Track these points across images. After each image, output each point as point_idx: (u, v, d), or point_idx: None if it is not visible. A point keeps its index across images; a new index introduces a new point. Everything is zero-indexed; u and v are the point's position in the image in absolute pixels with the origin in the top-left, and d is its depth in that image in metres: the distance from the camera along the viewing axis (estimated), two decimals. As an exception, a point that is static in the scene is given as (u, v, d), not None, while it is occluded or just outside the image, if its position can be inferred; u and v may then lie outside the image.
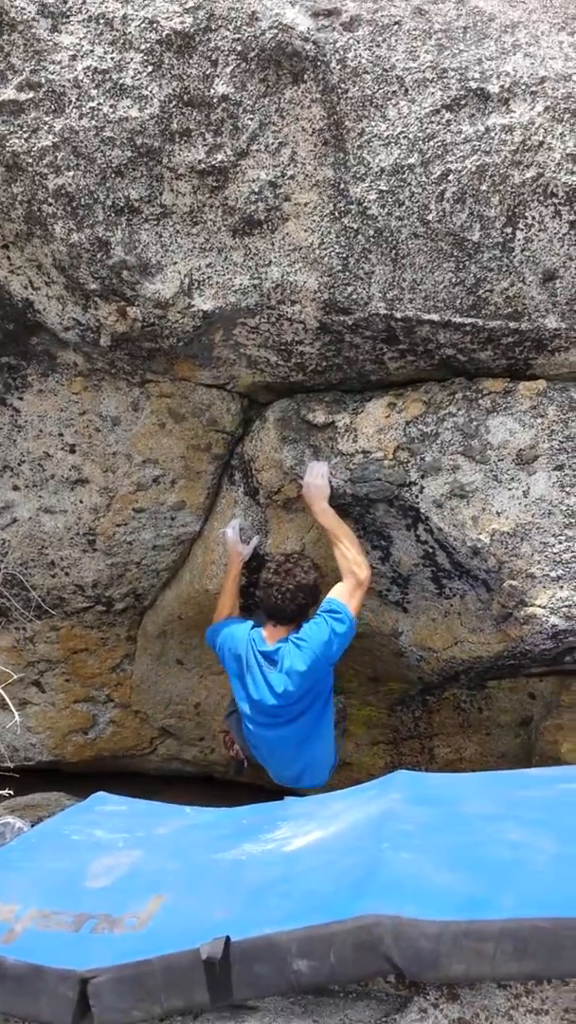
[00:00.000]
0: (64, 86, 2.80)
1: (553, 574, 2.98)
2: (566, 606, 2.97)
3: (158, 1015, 1.89)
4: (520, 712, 3.91)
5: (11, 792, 3.51)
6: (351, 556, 3.27)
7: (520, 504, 3.01)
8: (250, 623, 3.47)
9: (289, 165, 2.83)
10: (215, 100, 2.78)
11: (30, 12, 2.77)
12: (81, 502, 3.82)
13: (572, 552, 2.95)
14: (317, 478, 3.31)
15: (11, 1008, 1.95)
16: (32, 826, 2.98)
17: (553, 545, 2.96)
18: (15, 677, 3.92)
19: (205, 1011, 1.94)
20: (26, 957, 1.94)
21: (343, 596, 3.24)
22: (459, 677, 3.75)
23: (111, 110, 2.80)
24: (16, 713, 3.62)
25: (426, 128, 2.71)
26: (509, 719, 3.96)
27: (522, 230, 2.76)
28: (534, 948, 1.70)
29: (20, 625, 4.22)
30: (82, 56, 2.78)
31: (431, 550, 3.33)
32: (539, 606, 3.01)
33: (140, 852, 2.47)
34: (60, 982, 1.89)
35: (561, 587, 2.97)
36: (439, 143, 2.71)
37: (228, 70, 2.76)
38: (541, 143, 2.67)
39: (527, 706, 3.87)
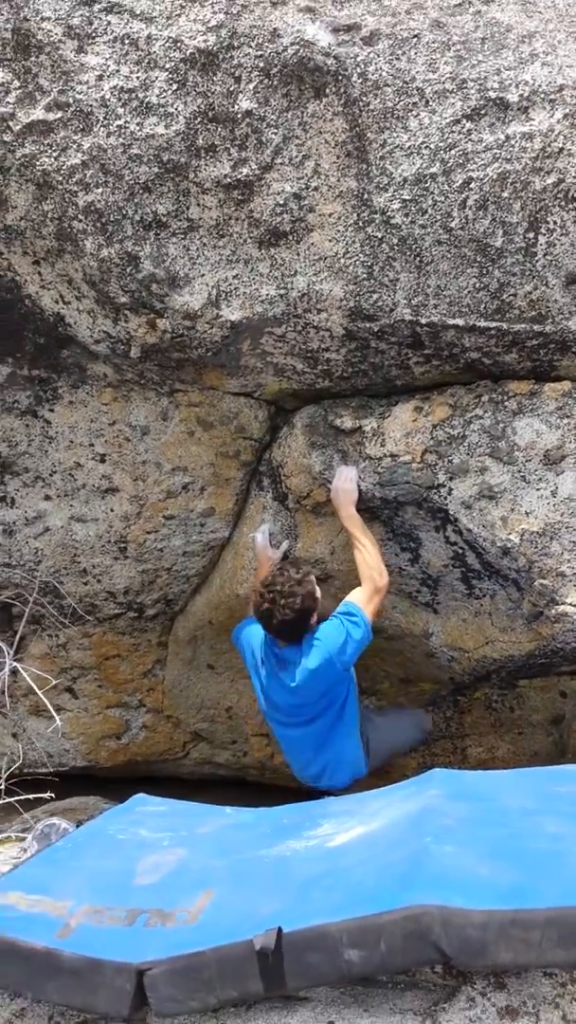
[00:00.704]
0: (91, 105, 2.88)
1: (583, 572, 3.04)
2: (596, 603, 3.03)
3: (213, 1005, 1.96)
4: (552, 711, 3.96)
5: (52, 795, 3.58)
6: (372, 562, 3.32)
7: (549, 504, 3.06)
8: None
9: (313, 177, 2.90)
10: (239, 116, 2.85)
11: (56, 34, 2.85)
12: (112, 510, 3.90)
13: (601, 550, 3.00)
14: (346, 482, 3.37)
15: (69, 1000, 2.02)
16: (76, 827, 3.04)
17: (582, 543, 3.02)
18: (53, 683, 3.99)
19: (258, 1001, 2.00)
20: (82, 950, 2.01)
21: (361, 601, 3.28)
22: (490, 677, 3.80)
23: (138, 128, 2.88)
24: (56, 717, 3.68)
25: (447, 138, 2.78)
26: (541, 718, 4.01)
27: (544, 235, 2.82)
28: (580, 935, 1.76)
29: (53, 632, 4.30)
30: (108, 76, 2.86)
31: (461, 551, 3.39)
32: (570, 604, 3.07)
33: (185, 850, 2.54)
34: (117, 974, 1.95)
35: (591, 585, 3.03)
36: (460, 152, 2.78)
37: (251, 86, 2.83)
38: (561, 149, 2.73)
39: (559, 704, 3.92)
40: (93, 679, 4.56)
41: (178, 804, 3.14)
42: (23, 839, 3.30)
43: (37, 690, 3.70)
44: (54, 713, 3.74)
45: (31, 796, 3.59)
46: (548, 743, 3.96)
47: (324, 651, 3.20)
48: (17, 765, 4.05)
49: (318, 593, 3.32)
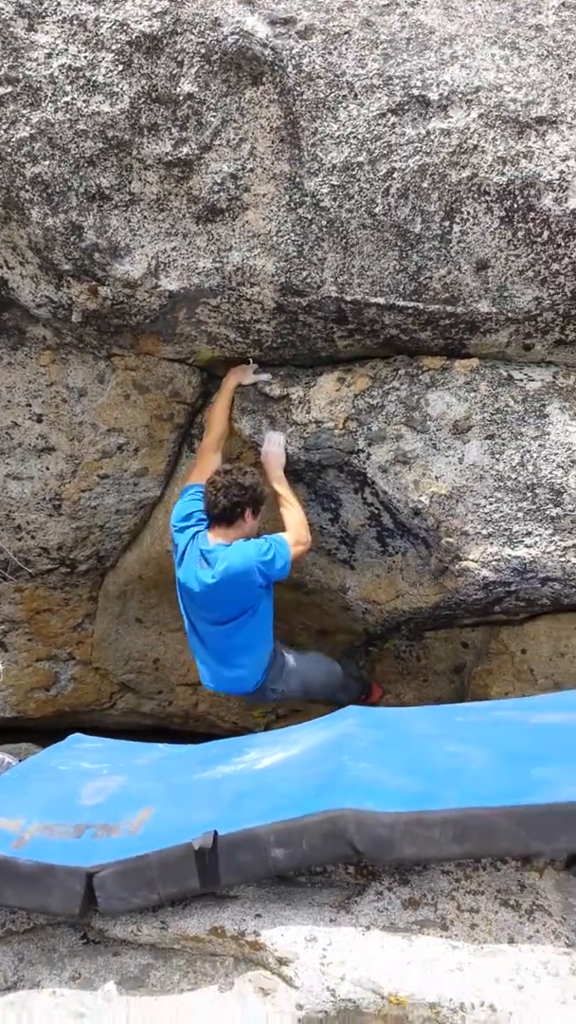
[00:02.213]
0: (40, 82, 3.02)
1: (484, 532, 3.35)
2: (495, 560, 3.34)
3: (155, 902, 2.22)
4: (454, 660, 4.28)
5: (-9, 736, 3.76)
6: (298, 519, 3.56)
7: (456, 469, 3.36)
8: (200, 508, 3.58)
9: (249, 159, 3.10)
10: (181, 98, 3.03)
11: (8, 12, 2.98)
12: (48, 469, 4.05)
13: (500, 512, 3.32)
14: (275, 446, 3.60)
15: (25, 903, 2.26)
16: (18, 762, 3.25)
17: (484, 506, 3.33)
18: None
19: (194, 898, 2.26)
20: (37, 858, 2.24)
21: (287, 540, 3.46)
22: (400, 628, 4.11)
23: (84, 105, 3.03)
24: (1, 663, 3.85)
25: (373, 130, 3.02)
26: (444, 667, 4.34)
27: (458, 224, 3.09)
28: (472, 832, 2.07)
29: (-15, 587, 4.45)
30: (57, 54, 3.01)
31: (376, 511, 3.68)
32: (472, 560, 3.38)
33: (124, 777, 2.79)
34: (68, 877, 2.20)
35: (491, 543, 3.34)
36: (385, 144, 3.02)
37: (193, 71, 3.01)
38: (476, 146, 3.00)
39: (460, 654, 4.25)
40: (24, 633, 4.70)
41: (113, 741, 3.38)
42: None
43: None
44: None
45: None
46: (450, 690, 4.29)
47: (247, 557, 3.34)
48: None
49: (264, 495, 3.51)
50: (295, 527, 3.53)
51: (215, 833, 2.15)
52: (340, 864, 2.35)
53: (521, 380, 3.34)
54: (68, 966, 2.32)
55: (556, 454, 3.26)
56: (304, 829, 2.13)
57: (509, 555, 3.32)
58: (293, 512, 3.57)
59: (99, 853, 2.26)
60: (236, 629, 3.47)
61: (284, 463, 3.62)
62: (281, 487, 3.61)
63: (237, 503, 3.41)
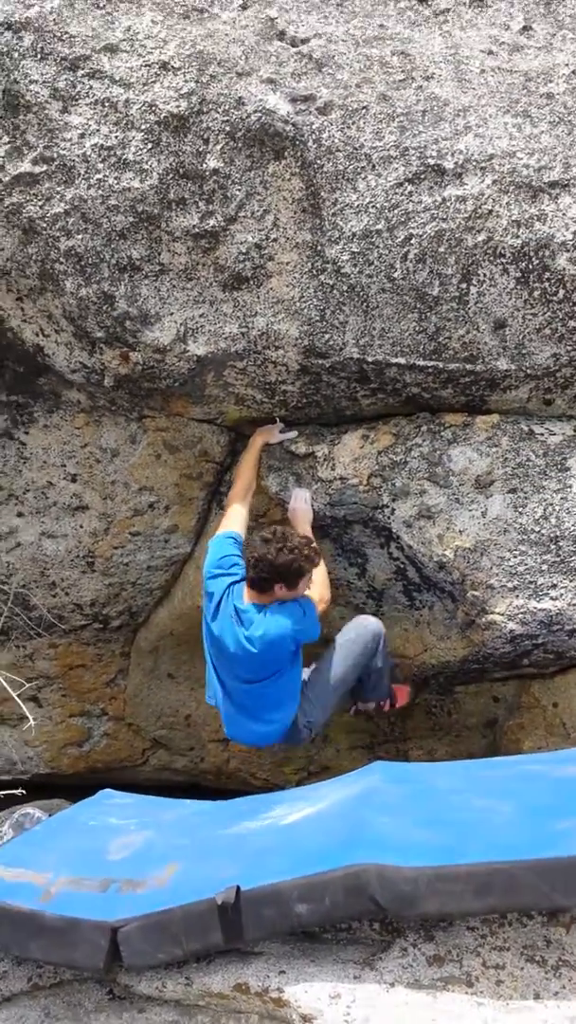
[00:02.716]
0: (74, 160, 3.19)
1: (509, 585, 3.38)
2: (521, 613, 3.36)
3: (179, 958, 2.23)
4: (485, 715, 4.27)
5: (23, 792, 3.80)
6: (320, 576, 3.60)
7: (479, 523, 3.40)
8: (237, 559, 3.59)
9: (272, 229, 3.23)
10: (207, 173, 3.18)
11: (43, 95, 3.16)
12: (81, 527, 4.16)
13: (525, 565, 3.34)
14: (301, 503, 3.67)
15: (50, 957, 2.29)
16: (48, 817, 3.29)
17: (508, 559, 3.36)
18: (26, 685, 4.22)
19: (219, 954, 2.28)
20: (62, 911, 2.28)
21: (316, 602, 3.50)
22: (428, 683, 4.12)
23: (115, 181, 3.19)
24: (31, 717, 3.92)
25: (391, 199, 3.14)
26: (476, 721, 4.32)
27: (475, 285, 3.18)
28: (494, 886, 2.07)
29: (21, 643, 4.53)
30: (90, 134, 3.17)
31: (402, 566, 3.72)
32: (498, 613, 3.40)
33: (151, 833, 2.81)
34: (93, 931, 2.23)
35: (516, 596, 3.37)
36: (402, 211, 3.14)
37: (218, 147, 3.16)
38: (490, 211, 3.10)
39: (492, 709, 4.23)
40: (58, 688, 4.77)
41: (142, 797, 3.41)
42: (-2, 829, 3.53)
43: (13, 694, 3.93)
44: (27, 713, 3.97)
45: (2, 793, 3.81)
46: (483, 745, 4.27)
47: (283, 626, 3.37)
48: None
49: (309, 571, 3.44)
50: (319, 586, 3.57)
51: (238, 888, 2.17)
52: (365, 920, 2.35)
53: (542, 434, 3.40)
54: (93, 1022, 2.33)
55: (578, 507, 3.30)
56: (327, 884, 2.14)
57: (535, 608, 3.34)
58: (323, 573, 3.62)
59: (124, 908, 2.28)
60: (266, 687, 3.50)
61: (311, 519, 3.67)
62: None
63: (266, 579, 3.39)
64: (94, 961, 2.22)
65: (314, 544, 3.48)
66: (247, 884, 2.20)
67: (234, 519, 3.68)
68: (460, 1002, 2.10)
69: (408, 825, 2.33)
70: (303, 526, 3.65)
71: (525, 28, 3.23)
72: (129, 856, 2.60)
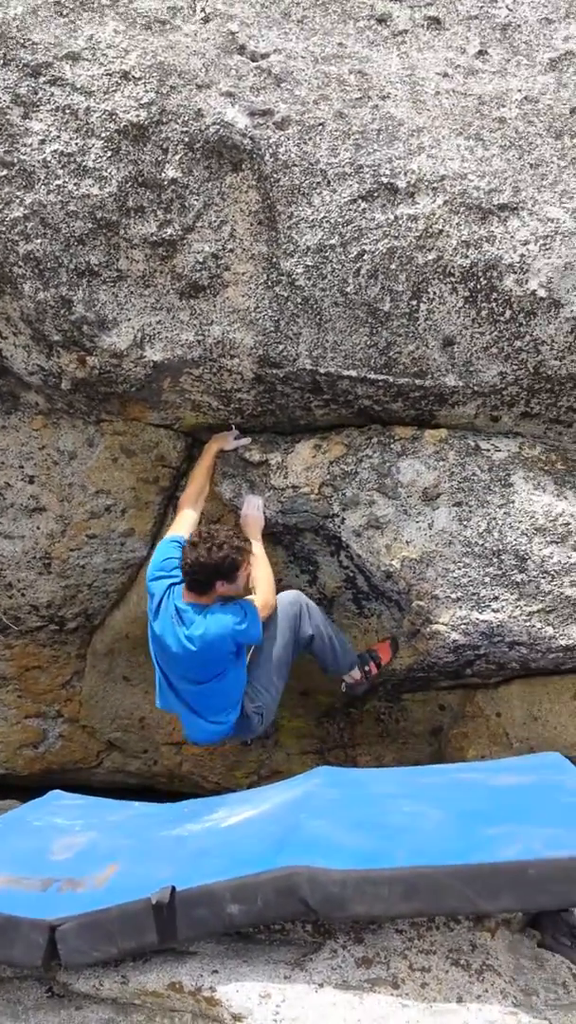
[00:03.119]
0: (34, 166, 3.22)
1: (453, 596, 3.45)
2: (464, 623, 3.43)
3: (115, 956, 2.28)
4: (432, 722, 4.34)
5: (-26, 793, 3.82)
6: (266, 580, 3.61)
7: (426, 535, 3.47)
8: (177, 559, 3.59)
9: (229, 240, 3.28)
10: (166, 182, 3.23)
11: (4, 100, 3.20)
12: (38, 528, 4.18)
13: (469, 577, 3.42)
14: (253, 510, 3.72)
15: (-11, 954, 2.32)
16: (-4, 817, 3.32)
17: (453, 571, 3.43)
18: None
19: (154, 953, 2.32)
20: (2, 909, 2.31)
21: (257, 604, 3.51)
22: (376, 689, 4.18)
23: (75, 188, 3.23)
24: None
25: (345, 214, 3.20)
26: (422, 729, 4.39)
27: (425, 303, 3.25)
28: (419, 890, 2.14)
29: (-24, 644, 4.54)
30: (50, 140, 3.21)
31: (352, 574, 3.78)
32: (442, 623, 3.47)
33: (96, 833, 2.86)
34: (32, 929, 2.27)
35: (460, 607, 3.44)
36: (356, 227, 3.20)
37: (177, 157, 3.21)
38: (441, 231, 3.17)
39: (438, 717, 4.30)
40: (13, 689, 4.77)
41: (91, 799, 3.45)
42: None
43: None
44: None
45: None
46: (429, 752, 4.34)
47: (222, 626, 3.38)
48: None
49: (243, 562, 3.48)
50: (262, 591, 3.58)
51: (173, 888, 2.22)
52: (298, 922, 2.41)
53: (488, 450, 3.47)
54: (32, 1019, 2.37)
55: (520, 522, 3.38)
56: (259, 886, 2.20)
57: (477, 619, 3.42)
58: (262, 574, 3.62)
59: (63, 906, 2.33)
60: (212, 687, 3.52)
61: (263, 526, 3.72)
62: (258, 548, 3.68)
63: (203, 580, 3.44)
64: (32, 958, 2.27)
65: (240, 533, 3.56)
66: (183, 885, 2.25)
67: (183, 523, 3.72)
68: (385, 1003, 2.16)
69: (340, 828, 2.39)
70: (255, 532, 3.70)
71: (481, 52, 3.31)
72: (72, 856, 2.64)
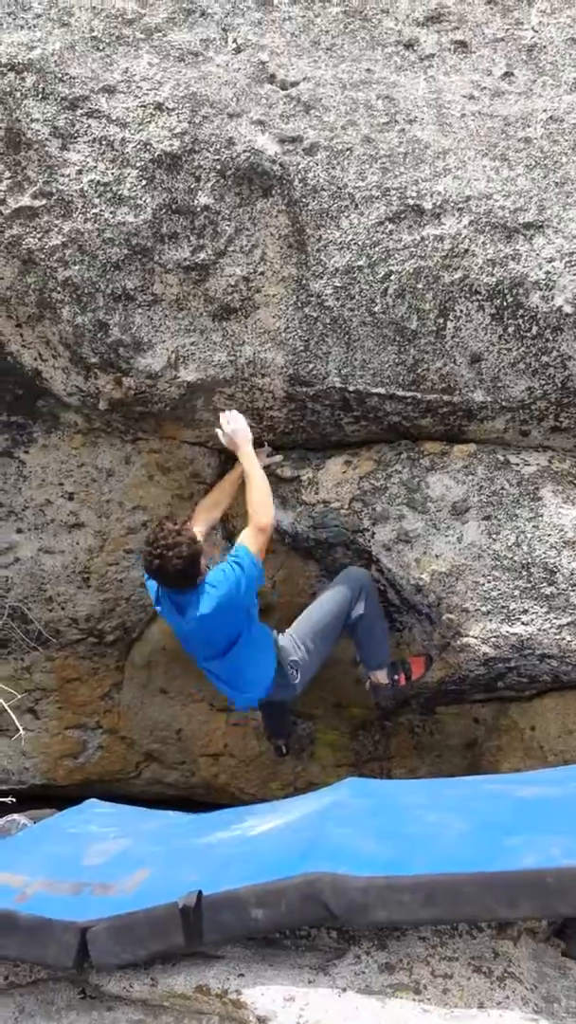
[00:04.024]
0: (72, 195, 3.34)
1: (483, 609, 3.48)
2: (494, 636, 3.47)
3: (143, 958, 2.34)
4: (466, 736, 4.35)
5: (15, 799, 3.92)
6: (257, 500, 3.45)
7: (455, 548, 3.51)
8: None
9: (260, 264, 3.37)
10: (198, 209, 3.33)
11: (44, 133, 3.32)
12: (77, 544, 4.29)
13: (498, 590, 3.45)
14: (239, 423, 3.58)
15: (24, 955, 2.40)
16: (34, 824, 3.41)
17: (483, 584, 3.47)
18: (18, 696, 4.34)
19: (181, 957, 2.38)
20: (36, 912, 2.39)
21: (247, 540, 3.42)
22: (410, 702, 4.22)
23: (111, 216, 3.34)
24: (21, 729, 4.03)
25: (372, 236, 3.28)
26: (457, 742, 4.40)
27: (452, 321, 3.31)
28: (439, 897, 2.17)
29: (19, 656, 4.65)
30: (87, 171, 3.33)
31: (383, 588, 3.83)
32: (472, 636, 3.50)
33: (128, 840, 2.92)
34: (64, 931, 2.34)
35: (490, 620, 3.47)
36: (383, 249, 3.28)
37: (209, 185, 3.31)
38: (466, 250, 3.24)
39: (472, 730, 4.32)
40: (54, 701, 4.87)
41: (126, 808, 3.52)
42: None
43: (5, 706, 4.05)
44: (19, 725, 4.08)
45: (-7, 800, 3.93)
46: (463, 766, 4.34)
47: (217, 597, 3.34)
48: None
49: (199, 536, 3.43)
50: (253, 513, 3.46)
51: (199, 893, 2.27)
52: (323, 928, 2.45)
53: (517, 464, 3.51)
54: (64, 1019, 2.43)
55: (549, 535, 3.40)
56: (283, 891, 2.24)
57: (507, 632, 3.44)
58: (254, 492, 3.49)
59: (94, 910, 2.39)
60: (235, 654, 3.51)
61: (251, 438, 3.59)
62: (249, 464, 3.56)
63: (186, 567, 3.35)
64: (64, 959, 2.33)
65: (184, 520, 3.45)
66: (209, 890, 2.31)
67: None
68: (407, 1008, 2.18)
69: (365, 837, 2.43)
70: (244, 446, 3.57)
71: (507, 74, 3.36)
72: (104, 862, 2.71)
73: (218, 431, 3.65)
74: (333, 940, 2.46)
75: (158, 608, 3.65)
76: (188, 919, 2.27)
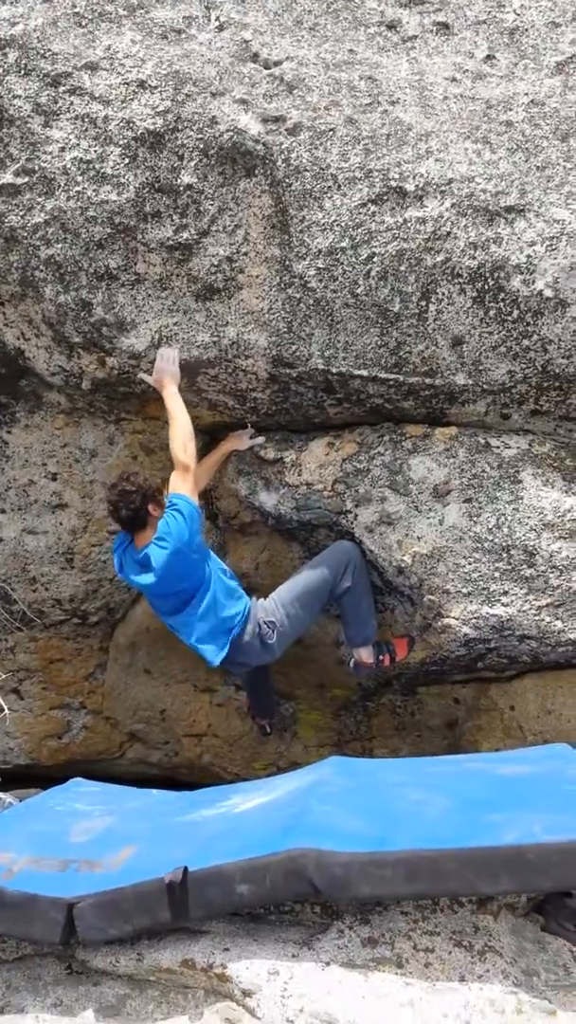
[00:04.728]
0: (54, 173, 3.33)
1: (464, 590, 3.52)
2: (475, 618, 3.50)
3: (129, 933, 2.37)
4: (447, 716, 4.40)
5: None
6: (178, 441, 3.52)
7: (436, 530, 3.54)
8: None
9: (243, 244, 3.37)
10: (181, 188, 3.32)
11: (26, 110, 3.30)
12: (61, 524, 4.29)
13: (479, 572, 3.48)
14: (170, 363, 3.57)
15: (9, 930, 2.43)
16: (19, 803, 3.43)
17: (464, 566, 3.50)
18: (2, 677, 4.36)
19: (167, 932, 2.42)
20: (23, 888, 2.41)
21: (177, 486, 3.50)
22: (392, 683, 4.26)
23: (94, 194, 3.33)
24: (5, 707, 4.05)
25: (355, 218, 3.28)
26: (438, 722, 4.45)
27: (434, 303, 3.32)
28: (421, 872, 2.21)
29: (3, 636, 4.66)
30: (70, 148, 3.31)
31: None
32: (453, 618, 3.54)
33: (113, 818, 2.95)
34: (51, 907, 2.36)
35: (471, 601, 3.50)
36: (366, 230, 3.28)
37: (192, 164, 3.30)
38: (449, 233, 3.24)
39: (453, 710, 4.36)
40: (38, 681, 4.89)
41: (110, 786, 3.55)
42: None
43: (-12, 684, 4.07)
44: (3, 705, 4.10)
45: (-22, 781, 3.95)
46: (444, 745, 4.39)
47: (166, 548, 3.41)
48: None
49: (150, 481, 3.54)
50: (175, 453, 3.54)
51: (185, 869, 2.31)
52: (307, 903, 2.49)
53: (498, 447, 3.54)
54: (51, 994, 2.47)
55: (529, 517, 3.44)
56: (267, 867, 2.28)
57: (487, 613, 3.48)
58: (177, 432, 3.54)
59: (81, 886, 2.42)
60: (196, 606, 3.56)
61: (179, 380, 3.60)
62: (173, 404, 3.57)
63: (137, 509, 3.48)
64: (51, 935, 2.36)
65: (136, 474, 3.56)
66: (195, 866, 2.34)
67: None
68: (390, 982, 2.23)
69: (348, 814, 2.46)
70: (171, 386, 3.59)
71: (489, 57, 3.37)
72: (90, 839, 2.74)
73: (142, 374, 3.66)
74: (317, 915, 2.50)
75: (120, 575, 3.71)
76: (174, 895, 2.31)
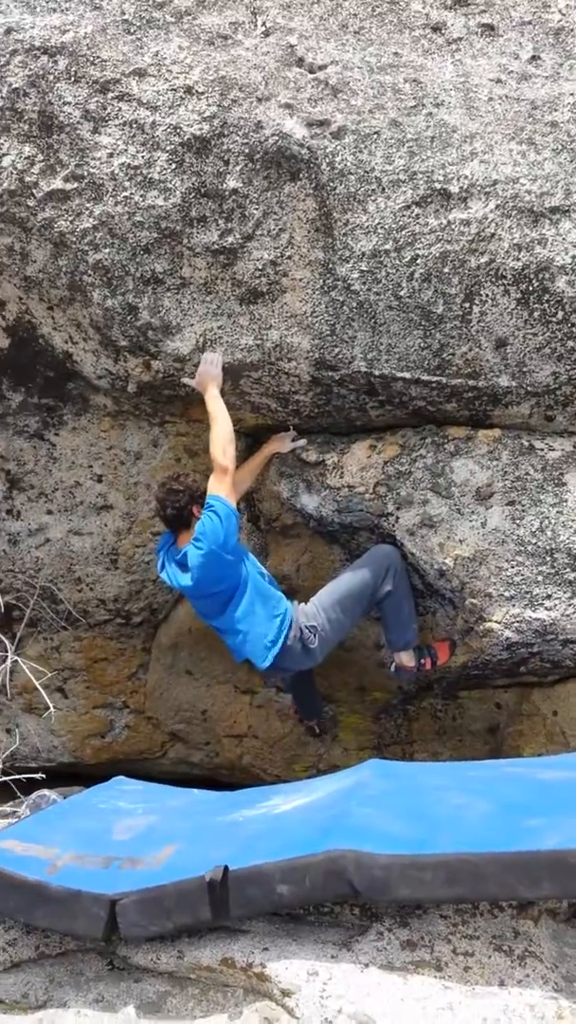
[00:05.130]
0: (103, 178, 3.37)
1: (507, 594, 3.49)
2: (517, 621, 3.48)
3: (170, 931, 2.39)
4: (488, 720, 4.37)
5: (44, 776, 4.00)
6: (218, 444, 3.53)
7: (479, 533, 3.52)
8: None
9: (287, 247, 3.39)
10: (227, 193, 3.35)
11: (76, 116, 3.35)
12: (106, 525, 4.35)
13: (522, 575, 3.46)
14: (212, 367, 3.59)
15: (54, 925, 2.46)
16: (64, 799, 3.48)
17: (506, 569, 3.48)
18: (48, 675, 4.42)
19: (208, 930, 2.44)
20: (66, 883, 2.45)
21: (214, 488, 3.52)
22: (432, 687, 4.24)
23: (141, 199, 3.37)
24: (52, 705, 4.11)
25: (399, 220, 3.28)
26: (479, 727, 4.42)
27: (478, 305, 3.31)
28: (462, 876, 2.20)
29: (49, 635, 4.73)
30: (118, 154, 3.36)
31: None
32: (495, 621, 3.52)
33: (156, 817, 2.98)
34: (94, 903, 2.39)
35: (513, 605, 3.48)
36: (409, 233, 3.28)
37: (238, 168, 3.33)
38: (493, 234, 3.23)
39: (494, 715, 4.33)
40: (82, 680, 4.95)
41: (152, 785, 3.58)
42: (16, 812, 3.73)
43: (37, 684, 4.12)
44: (50, 702, 4.16)
45: (24, 777, 4.01)
46: (485, 751, 4.36)
47: (202, 549, 3.44)
48: (9, 753, 4.47)
49: (199, 483, 3.64)
50: (215, 456, 3.55)
51: (226, 868, 2.32)
52: (346, 904, 2.49)
53: (542, 449, 3.51)
54: (93, 989, 2.50)
55: (573, 521, 3.41)
56: (307, 867, 2.29)
57: (530, 617, 3.46)
58: (216, 432, 3.56)
59: (123, 883, 2.45)
60: (235, 608, 3.59)
61: (220, 383, 3.62)
62: (214, 406, 3.59)
63: (181, 508, 3.60)
64: (94, 931, 2.39)
65: (185, 475, 3.71)
66: (235, 865, 2.36)
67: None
68: (428, 985, 2.22)
69: (388, 816, 2.47)
70: (212, 388, 3.61)
71: (534, 58, 3.35)
72: (132, 837, 2.77)
73: (185, 379, 3.70)
74: (356, 917, 2.50)
75: (163, 576, 3.76)
76: (215, 893, 2.32)
